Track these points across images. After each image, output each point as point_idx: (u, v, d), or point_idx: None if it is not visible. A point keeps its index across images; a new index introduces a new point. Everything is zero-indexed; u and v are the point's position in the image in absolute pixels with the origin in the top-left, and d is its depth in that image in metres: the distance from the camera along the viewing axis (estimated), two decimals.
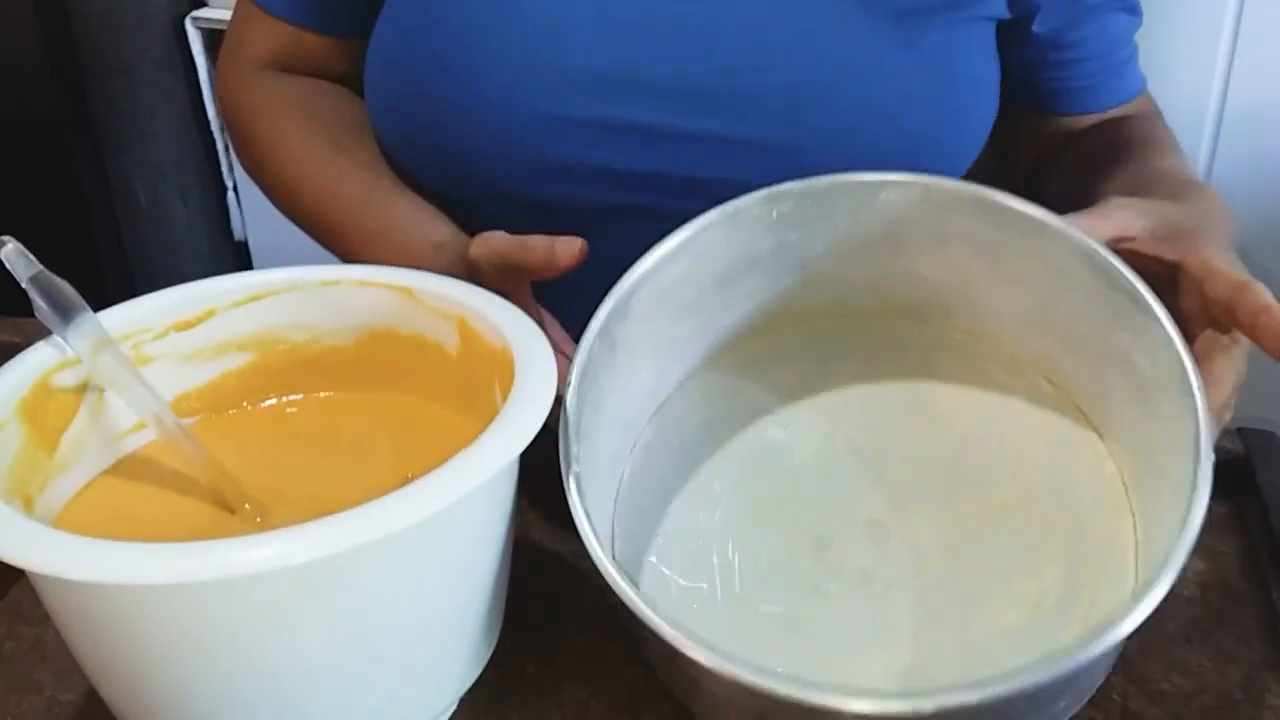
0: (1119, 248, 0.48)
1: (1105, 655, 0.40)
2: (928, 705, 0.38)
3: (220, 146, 1.80)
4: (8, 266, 0.46)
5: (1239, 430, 0.62)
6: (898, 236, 0.51)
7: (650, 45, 0.60)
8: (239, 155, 0.73)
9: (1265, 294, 0.45)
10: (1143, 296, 0.46)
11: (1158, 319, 0.45)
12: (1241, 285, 0.46)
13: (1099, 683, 0.45)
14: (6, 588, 0.55)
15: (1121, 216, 0.50)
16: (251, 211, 1.83)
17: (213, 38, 1.69)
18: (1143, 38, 0.74)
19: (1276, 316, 0.44)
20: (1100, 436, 0.49)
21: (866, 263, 0.52)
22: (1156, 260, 0.48)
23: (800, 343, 0.54)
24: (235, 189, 1.83)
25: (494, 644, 0.47)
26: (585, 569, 0.45)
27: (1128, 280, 0.46)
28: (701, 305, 0.51)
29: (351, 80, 0.70)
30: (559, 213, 0.64)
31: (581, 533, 0.43)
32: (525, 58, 0.60)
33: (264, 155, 0.69)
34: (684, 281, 0.50)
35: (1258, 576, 0.55)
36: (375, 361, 0.53)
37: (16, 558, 0.37)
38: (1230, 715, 0.48)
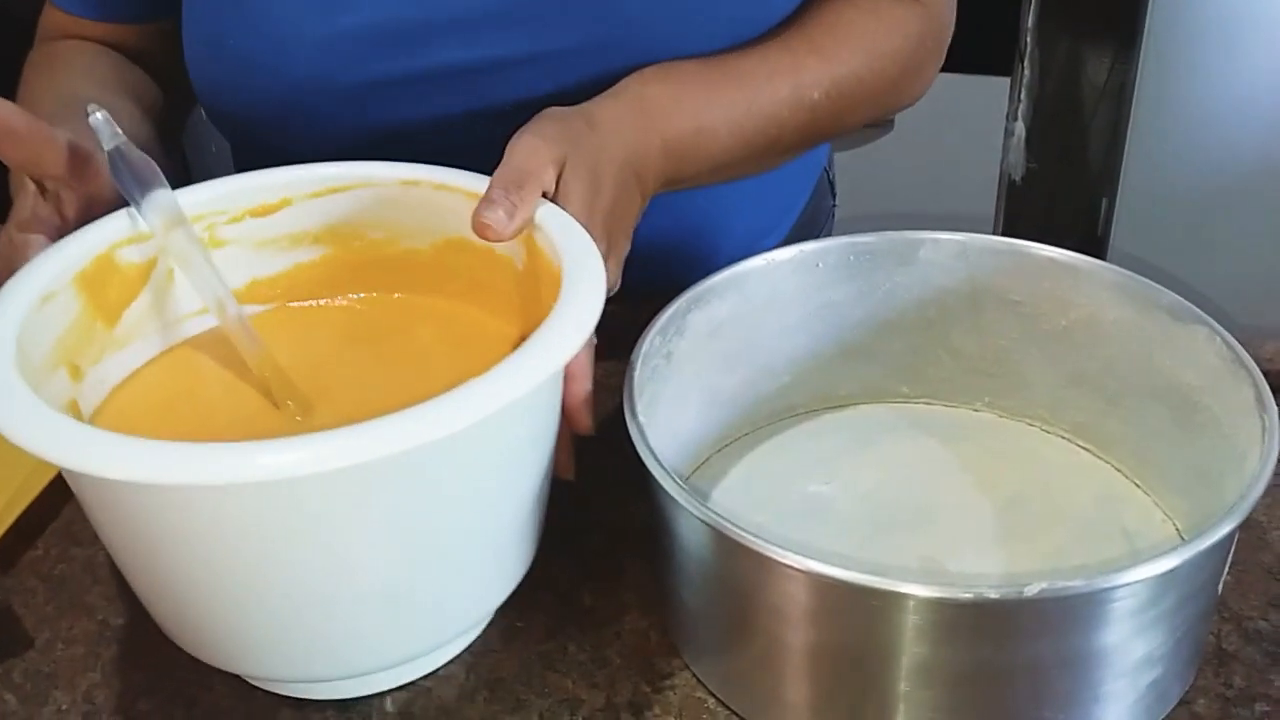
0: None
1: (1210, 559, 0.40)
2: (1031, 590, 0.36)
3: None
4: (95, 132, 0.47)
5: None
6: (933, 307, 0.53)
7: None
8: None
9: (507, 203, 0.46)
10: (1181, 303, 0.48)
11: (1202, 320, 0.47)
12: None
13: (1205, 610, 0.43)
14: (59, 508, 0.55)
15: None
16: None
17: None
18: None
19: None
20: (1144, 493, 0.51)
21: (901, 337, 0.54)
22: None
23: (837, 420, 0.56)
24: None
25: (534, 549, 0.47)
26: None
27: (1163, 294, 0.48)
28: (746, 361, 0.53)
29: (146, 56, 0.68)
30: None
31: (639, 448, 0.43)
32: (307, 31, 0.58)
33: None
34: (732, 323, 0.52)
35: None
36: (449, 268, 0.52)
37: (45, 452, 0.36)
38: None
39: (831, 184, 0.82)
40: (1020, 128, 1.48)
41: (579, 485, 0.55)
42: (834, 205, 0.83)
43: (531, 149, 0.48)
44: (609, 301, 0.48)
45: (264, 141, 0.62)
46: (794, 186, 0.76)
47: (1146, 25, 1.39)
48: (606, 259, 0.47)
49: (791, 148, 0.61)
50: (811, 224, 0.79)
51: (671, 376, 0.50)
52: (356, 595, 0.41)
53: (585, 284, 0.43)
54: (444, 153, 0.54)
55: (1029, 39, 1.41)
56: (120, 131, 0.47)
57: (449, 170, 0.51)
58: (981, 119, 1.45)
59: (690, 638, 0.46)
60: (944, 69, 1.46)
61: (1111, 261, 0.50)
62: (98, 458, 0.36)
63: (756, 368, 0.54)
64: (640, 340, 0.48)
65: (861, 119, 0.63)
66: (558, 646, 0.47)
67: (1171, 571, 0.38)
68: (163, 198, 0.47)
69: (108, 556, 0.52)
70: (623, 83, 0.56)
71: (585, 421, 0.47)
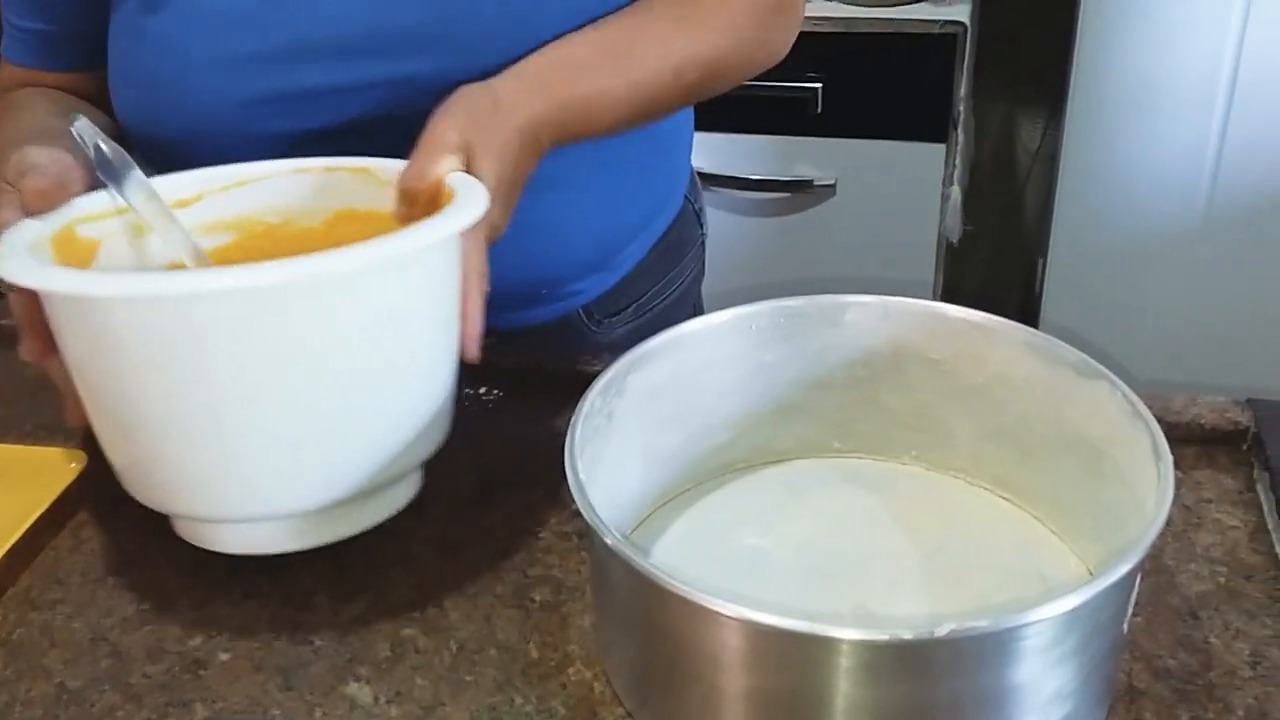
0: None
1: (1112, 598, 0.43)
2: (941, 630, 0.39)
3: None
4: (76, 137, 0.57)
5: (1248, 401, 0.62)
6: (861, 367, 0.57)
7: (306, 14, 0.65)
8: None
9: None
10: (1083, 359, 0.51)
11: (1102, 375, 0.50)
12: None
13: (1112, 647, 0.45)
14: (17, 575, 0.56)
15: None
16: None
17: None
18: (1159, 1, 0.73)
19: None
20: (1059, 539, 0.54)
21: (832, 395, 0.58)
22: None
23: (772, 476, 0.59)
24: None
25: (443, 432, 0.56)
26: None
27: (1069, 351, 0.52)
28: (684, 420, 0.56)
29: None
30: None
31: (576, 497, 0.45)
32: (200, 52, 0.66)
33: None
34: (671, 384, 0.55)
35: (1268, 550, 0.55)
36: (339, 237, 0.60)
37: (29, 281, 0.48)
38: (1236, 694, 0.48)
39: (698, 214, 0.89)
40: (956, 192, 1.53)
41: (525, 541, 0.57)
42: (704, 236, 0.90)
43: (440, 136, 0.57)
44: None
45: (177, 159, 0.67)
46: (645, 202, 0.81)
47: (1070, 93, 1.45)
48: (504, 210, 0.58)
49: (666, 114, 0.72)
50: (677, 250, 0.85)
51: (613, 436, 0.52)
52: (262, 415, 0.49)
53: (471, 197, 0.53)
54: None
55: (962, 107, 1.47)
56: (98, 130, 0.56)
57: (336, 158, 0.61)
58: (919, 184, 1.50)
59: (633, 687, 0.48)
60: (882, 136, 1.50)
61: (1045, 320, 0.54)
62: (51, 279, 0.48)
63: (695, 427, 0.57)
64: (581, 401, 0.50)
65: (724, 90, 0.72)
66: (505, 699, 0.49)
67: (1074, 610, 0.40)
68: (139, 178, 0.57)
69: (64, 621, 0.54)
70: (528, 63, 0.64)
71: (473, 353, 0.56)
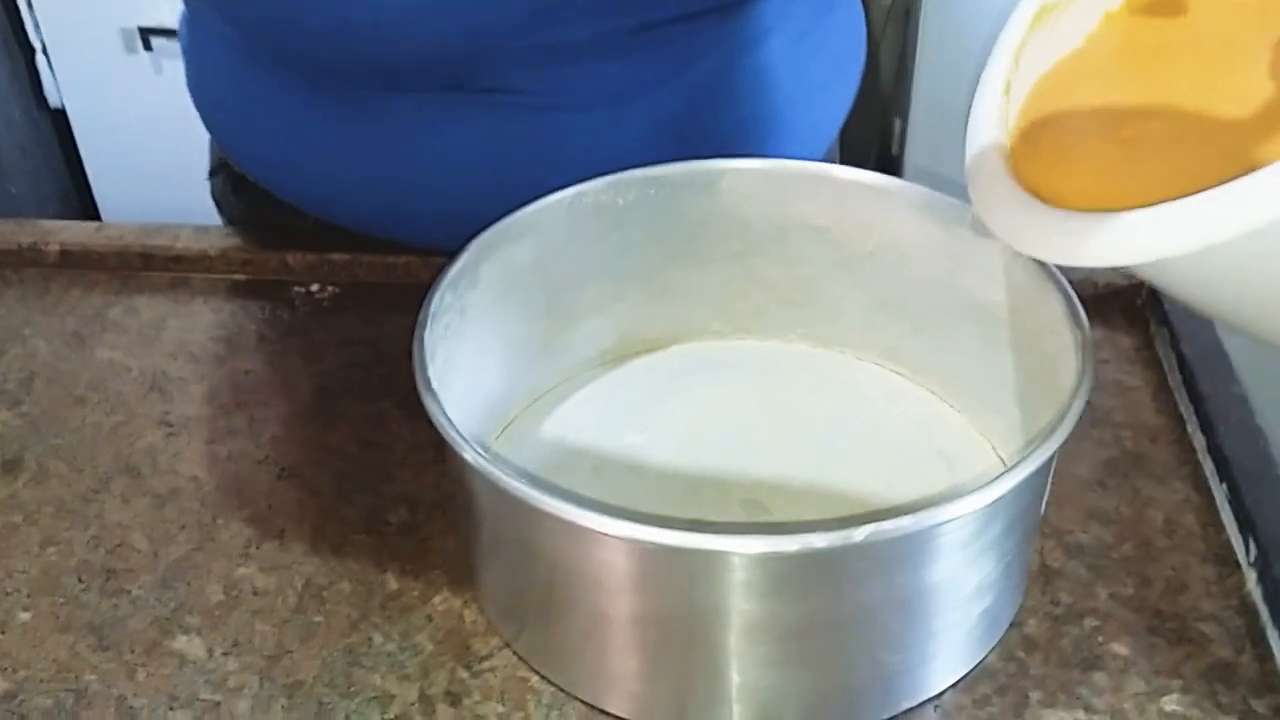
0: None
1: (1034, 483, 0.39)
2: (859, 535, 0.34)
3: (23, 3, 1.62)
4: None
5: None
6: (739, 239, 0.51)
7: None
8: None
9: None
10: (980, 220, 0.45)
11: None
12: None
13: (1032, 531, 0.42)
14: None
15: None
16: (66, 75, 1.66)
17: None
18: None
19: None
20: (958, 413, 0.50)
21: (708, 272, 0.52)
22: None
23: (648, 364, 0.53)
24: (45, 50, 1.65)
25: None
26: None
27: (968, 211, 0.46)
28: (548, 309, 0.50)
29: None
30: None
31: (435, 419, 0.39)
32: None
33: None
34: (530, 270, 0.48)
35: (1171, 410, 0.52)
36: None
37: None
38: (1154, 565, 0.45)
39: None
40: None
41: (375, 457, 0.51)
42: None
43: None
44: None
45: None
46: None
47: None
48: None
49: None
50: None
51: (467, 333, 0.46)
52: None
53: None
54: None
55: None
56: None
57: None
58: None
59: (507, 614, 0.43)
60: None
61: (909, 179, 0.48)
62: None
63: (560, 316, 0.51)
64: (428, 298, 0.43)
65: None
66: (362, 639, 0.43)
67: (998, 500, 0.36)
68: None
69: None
70: None
71: None
